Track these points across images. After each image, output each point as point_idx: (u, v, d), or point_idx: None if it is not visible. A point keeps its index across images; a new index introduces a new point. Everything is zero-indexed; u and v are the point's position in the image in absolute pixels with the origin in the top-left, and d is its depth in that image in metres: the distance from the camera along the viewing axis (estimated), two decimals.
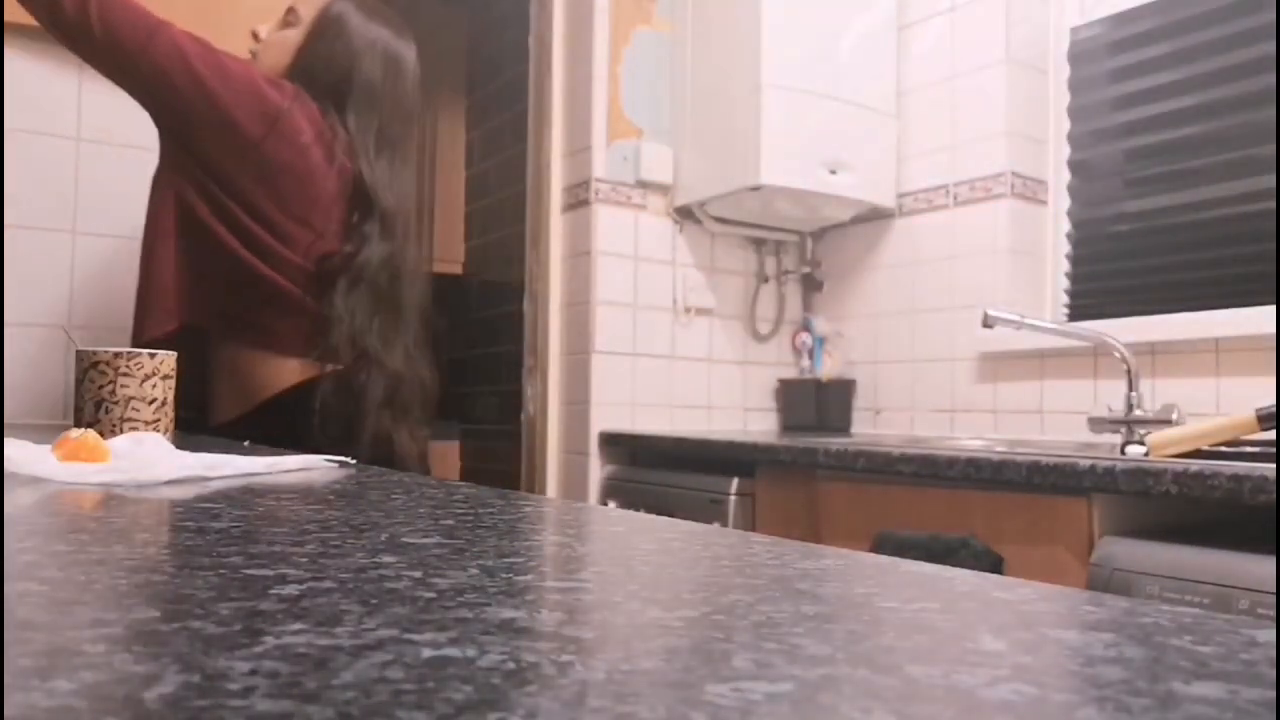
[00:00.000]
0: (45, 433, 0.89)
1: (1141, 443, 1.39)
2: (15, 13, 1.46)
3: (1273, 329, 1.55)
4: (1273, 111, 1.69)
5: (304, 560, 0.36)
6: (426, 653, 0.23)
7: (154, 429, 1.03)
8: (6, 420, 1.47)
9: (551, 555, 0.40)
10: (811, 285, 2.44)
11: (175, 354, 1.08)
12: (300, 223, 1.38)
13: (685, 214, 2.26)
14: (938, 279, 2.14)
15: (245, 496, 0.60)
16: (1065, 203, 2.06)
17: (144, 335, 1.34)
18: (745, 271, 2.38)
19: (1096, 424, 1.67)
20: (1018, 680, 0.23)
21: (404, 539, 0.43)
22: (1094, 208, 2.01)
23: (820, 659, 0.24)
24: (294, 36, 1.47)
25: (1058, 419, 1.91)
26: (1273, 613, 0.93)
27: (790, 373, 2.41)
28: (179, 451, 0.77)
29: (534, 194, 2.29)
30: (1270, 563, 0.96)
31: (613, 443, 2.11)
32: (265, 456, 0.79)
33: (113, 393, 1.01)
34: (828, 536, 1.50)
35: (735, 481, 1.74)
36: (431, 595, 0.30)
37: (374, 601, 0.29)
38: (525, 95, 2.34)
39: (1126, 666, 0.25)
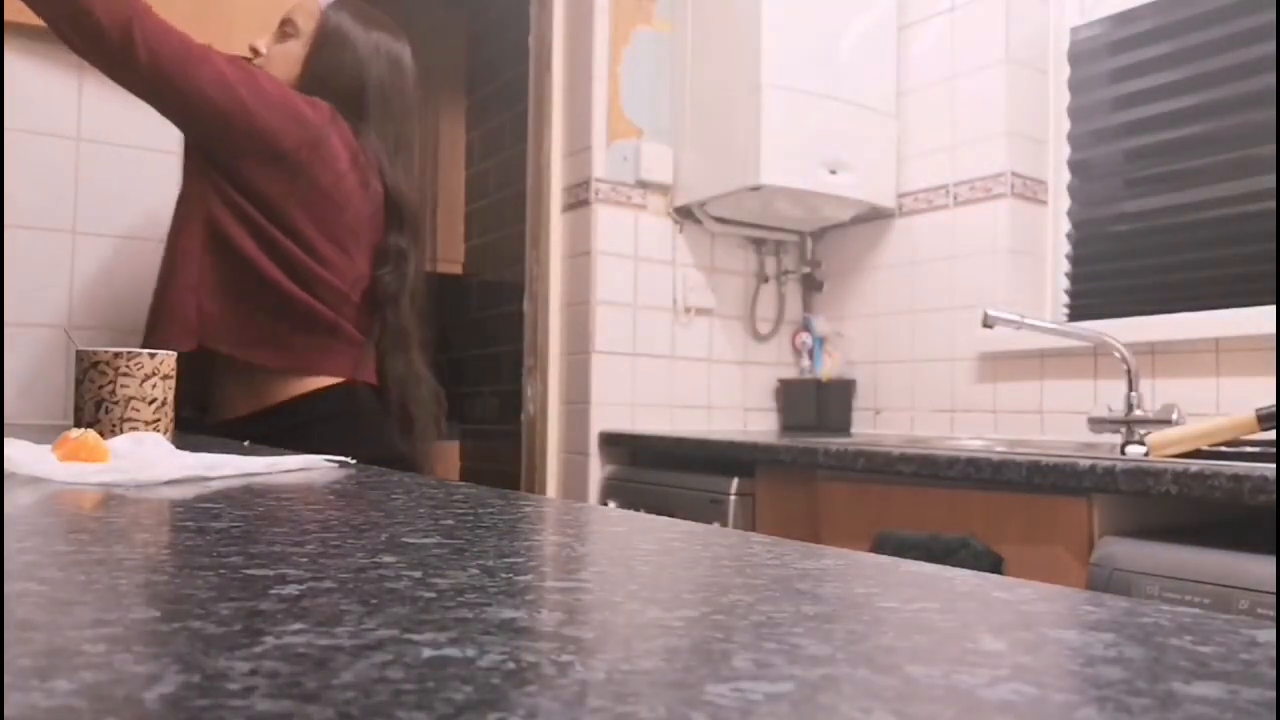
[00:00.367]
0: (45, 433, 0.89)
1: (1141, 443, 1.39)
2: (15, 13, 1.46)
3: (1273, 329, 1.55)
4: (1273, 111, 1.69)
5: (304, 560, 0.36)
6: (426, 653, 0.23)
7: (154, 429, 1.03)
8: (6, 420, 1.47)
9: (551, 555, 0.40)
10: (811, 285, 2.44)
11: (175, 354, 1.08)
12: (338, 247, 1.39)
13: (685, 214, 2.26)
14: (938, 279, 2.14)
15: (245, 496, 0.60)
16: (1065, 203, 2.06)
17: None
18: (745, 271, 2.38)
19: (1096, 424, 1.67)
20: (1018, 680, 0.23)
21: (404, 539, 0.43)
22: (1094, 208, 2.01)
23: (820, 659, 0.24)
24: (296, 49, 1.46)
25: (1058, 419, 1.91)
26: (1273, 613, 0.93)
27: (790, 373, 2.41)
28: (179, 451, 0.77)
29: (534, 194, 2.29)
30: (1270, 563, 0.96)
31: (613, 443, 2.11)
32: (265, 457, 0.79)
33: (113, 393, 1.01)
34: (828, 536, 1.50)
35: (735, 481, 1.74)
36: (431, 595, 0.30)
37: (374, 601, 0.29)
38: (525, 95, 2.34)
39: (1126, 666, 0.25)
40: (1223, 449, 1.33)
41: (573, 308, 2.20)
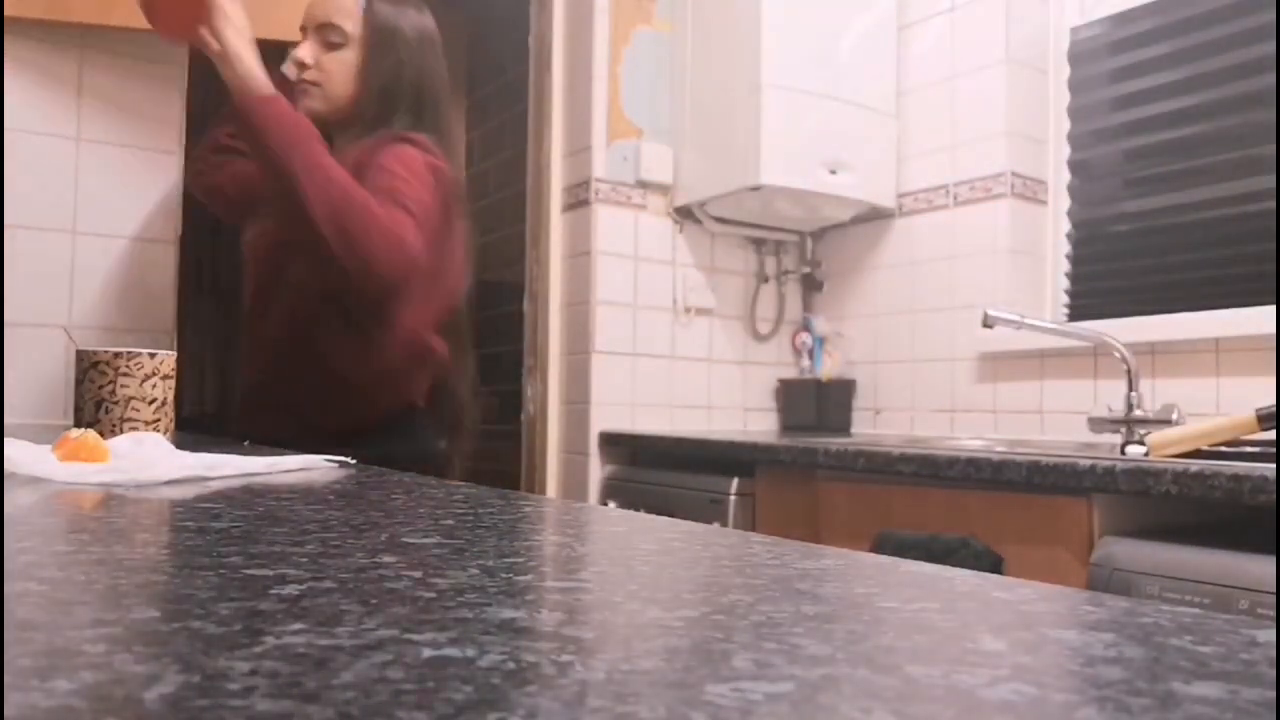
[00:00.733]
0: (45, 433, 0.89)
1: (1141, 443, 1.39)
2: (15, 10, 1.46)
3: (1273, 329, 1.55)
4: (1273, 111, 1.69)
5: (304, 560, 0.36)
6: (426, 653, 0.23)
7: (154, 429, 1.03)
8: (6, 420, 1.47)
9: (551, 555, 0.40)
10: (811, 285, 2.44)
11: (175, 354, 1.08)
12: (451, 294, 1.42)
13: (685, 214, 2.26)
14: (938, 279, 2.14)
15: (245, 496, 0.60)
16: (1065, 203, 2.06)
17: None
18: (745, 271, 2.38)
19: (1096, 424, 1.67)
20: (1018, 680, 0.23)
21: (404, 539, 0.43)
22: (1094, 208, 2.01)
23: (820, 659, 0.24)
24: (349, 58, 1.38)
25: (1058, 419, 1.91)
26: (1273, 613, 0.93)
27: (790, 373, 2.41)
28: (179, 451, 0.77)
29: (534, 194, 2.29)
30: (1270, 563, 0.96)
31: (613, 443, 2.11)
32: (265, 457, 0.79)
33: (113, 393, 1.01)
34: (828, 536, 1.50)
35: (735, 481, 1.74)
36: (431, 595, 0.30)
37: (374, 601, 0.29)
38: (525, 95, 2.34)
39: (1126, 666, 0.25)
40: (1223, 449, 1.33)
41: (573, 308, 2.20)
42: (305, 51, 1.38)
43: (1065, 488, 1.18)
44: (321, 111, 1.37)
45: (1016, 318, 1.67)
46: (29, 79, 1.62)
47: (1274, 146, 1.68)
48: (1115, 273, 1.96)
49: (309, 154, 1.19)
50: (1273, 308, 1.56)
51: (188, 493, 0.61)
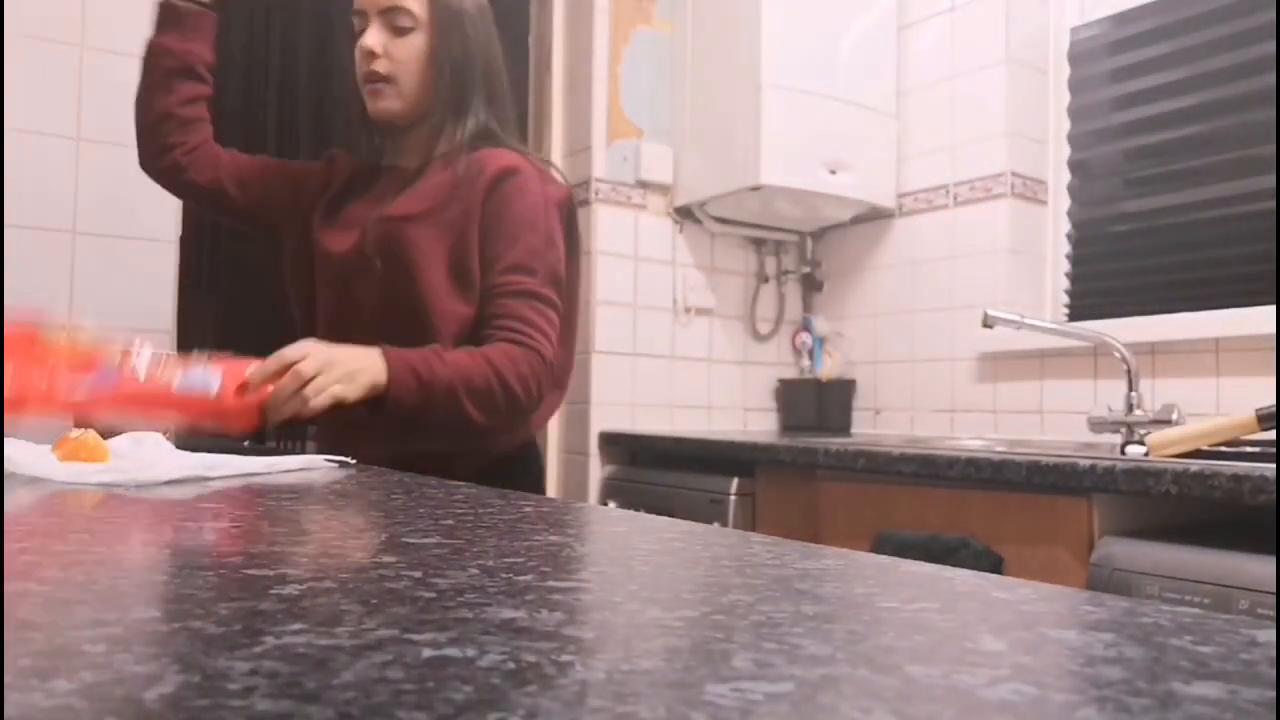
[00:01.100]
0: (45, 433, 0.89)
1: (1141, 443, 1.39)
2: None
3: (1273, 329, 1.55)
4: (1273, 111, 1.69)
5: (304, 560, 0.36)
6: (426, 653, 0.23)
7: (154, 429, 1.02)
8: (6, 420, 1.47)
9: (551, 555, 0.40)
10: (811, 285, 2.44)
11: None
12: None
13: (685, 214, 2.26)
14: (938, 279, 2.14)
15: (245, 496, 0.60)
16: (1065, 203, 2.06)
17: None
18: (745, 271, 2.38)
19: (1096, 424, 1.67)
20: (1018, 680, 0.23)
21: (404, 539, 0.43)
22: (1094, 208, 2.01)
23: (820, 659, 0.24)
24: (419, 43, 1.24)
25: (1058, 419, 1.91)
26: (1273, 613, 0.93)
27: (790, 373, 2.41)
28: (179, 451, 0.77)
29: None
30: (1270, 563, 0.96)
31: (613, 443, 2.11)
32: (265, 457, 0.79)
33: None
34: (828, 536, 1.50)
35: (735, 481, 1.74)
36: (431, 595, 0.30)
37: (374, 601, 0.29)
38: (525, 95, 2.34)
39: (1126, 666, 0.25)
40: (1223, 449, 1.33)
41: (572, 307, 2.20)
42: (373, 39, 1.23)
43: (1065, 488, 1.18)
44: (398, 112, 1.26)
45: (1016, 318, 1.67)
46: (29, 79, 1.62)
47: (1274, 146, 1.68)
48: (1115, 273, 1.96)
49: (452, 380, 1.12)
50: (1273, 308, 1.56)
51: (188, 493, 0.61)
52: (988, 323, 1.67)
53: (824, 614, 0.30)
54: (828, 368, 2.32)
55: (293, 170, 1.37)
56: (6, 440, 0.71)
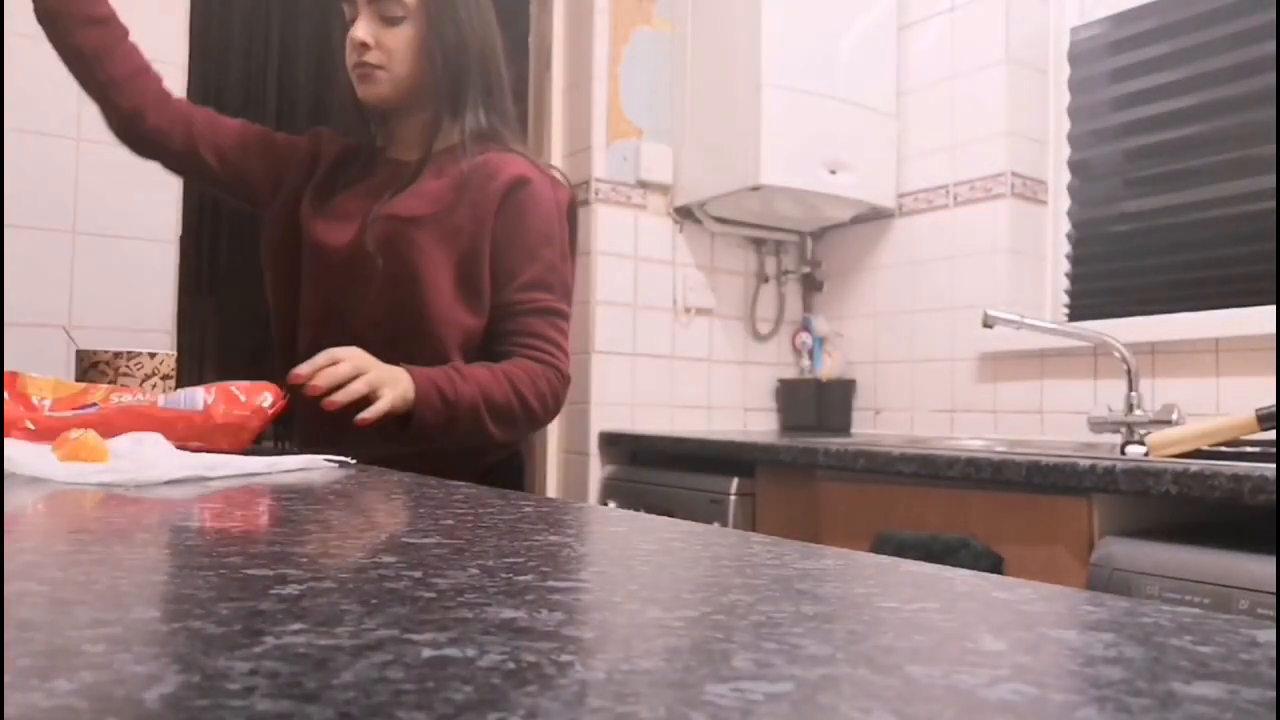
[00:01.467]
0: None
1: (1141, 443, 1.39)
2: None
3: (1273, 329, 1.55)
4: (1273, 111, 1.69)
5: (304, 560, 0.36)
6: (426, 653, 0.23)
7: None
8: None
9: (551, 555, 0.40)
10: (811, 285, 2.44)
11: (174, 354, 1.08)
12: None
13: (685, 214, 2.26)
14: (937, 279, 2.14)
15: (245, 496, 0.60)
16: (1065, 203, 2.06)
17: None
18: (745, 271, 2.38)
19: (1096, 424, 1.67)
20: (1018, 680, 0.23)
21: (404, 539, 0.43)
22: (1094, 208, 2.01)
23: (820, 659, 0.24)
24: (411, 33, 1.21)
25: (1058, 419, 1.91)
26: (1273, 613, 0.93)
27: (790, 373, 2.41)
28: (179, 451, 0.77)
29: None
30: (1270, 563, 0.96)
31: (613, 443, 2.11)
32: (265, 457, 0.79)
33: None
34: (828, 536, 1.50)
35: (735, 481, 1.74)
36: (431, 595, 0.30)
37: (374, 601, 0.29)
38: (525, 95, 2.34)
39: (1126, 666, 0.25)
40: (1223, 449, 1.33)
41: (573, 307, 2.20)
42: (363, 30, 1.20)
43: (1065, 488, 1.18)
44: (388, 96, 1.22)
45: (1016, 318, 1.67)
46: (29, 79, 1.62)
47: (1274, 146, 1.68)
48: (1115, 273, 1.96)
49: (475, 399, 1.12)
50: (1273, 308, 1.56)
51: (188, 493, 0.61)
52: (988, 323, 1.67)
53: (824, 614, 0.30)
54: (828, 368, 2.32)
55: (274, 142, 1.31)
56: (6, 440, 0.71)
